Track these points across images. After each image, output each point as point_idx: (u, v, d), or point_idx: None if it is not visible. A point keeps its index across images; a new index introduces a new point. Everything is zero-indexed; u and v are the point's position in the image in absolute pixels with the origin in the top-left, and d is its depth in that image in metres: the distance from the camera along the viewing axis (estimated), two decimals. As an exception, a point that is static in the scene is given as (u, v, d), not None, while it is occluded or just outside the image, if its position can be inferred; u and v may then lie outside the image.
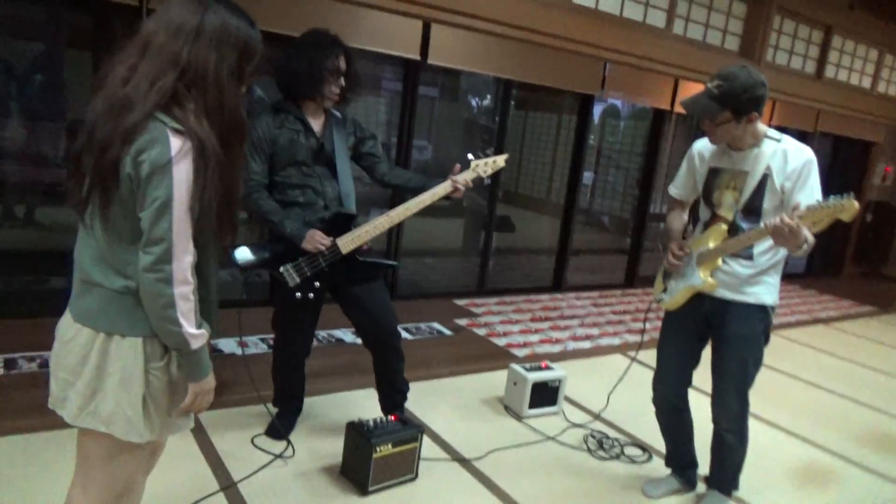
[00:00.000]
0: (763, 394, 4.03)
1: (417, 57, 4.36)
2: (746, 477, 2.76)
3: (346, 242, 2.53)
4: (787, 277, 8.20)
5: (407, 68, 4.61)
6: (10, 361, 3.13)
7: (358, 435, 2.47)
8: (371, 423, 2.52)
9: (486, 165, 2.61)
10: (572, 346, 4.47)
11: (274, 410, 2.87)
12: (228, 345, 3.64)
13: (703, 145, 2.50)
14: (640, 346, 3.16)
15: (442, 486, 2.59)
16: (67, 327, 1.48)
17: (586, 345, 4.53)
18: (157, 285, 1.33)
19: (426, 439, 2.84)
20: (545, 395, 3.30)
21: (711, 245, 2.39)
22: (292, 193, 2.56)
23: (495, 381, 3.61)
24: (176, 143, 1.29)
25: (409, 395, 2.91)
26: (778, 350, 5.09)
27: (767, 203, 2.30)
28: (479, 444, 2.94)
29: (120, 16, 3.66)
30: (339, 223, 2.55)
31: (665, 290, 2.58)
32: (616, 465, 2.95)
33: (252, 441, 2.73)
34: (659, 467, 2.91)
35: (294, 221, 2.51)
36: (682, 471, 2.75)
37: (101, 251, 1.41)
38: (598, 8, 3.77)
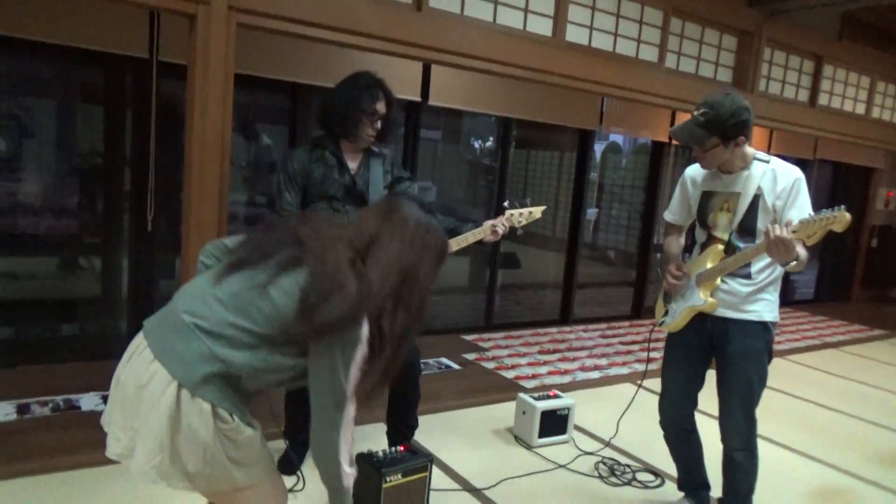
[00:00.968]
0: (776, 417, 4.01)
1: (418, 98, 4.50)
2: (763, 500, 2.74)
3: None
4: (797, 304, 8.19)
5: (409, 110, 4.74)
6: (23, 406, 3.18)
7: (368, 465, 2.48)
8: (380, 454, 2.53)
9: (522, 216, 2.64)
10: (581, 376, 4.48)
11: (284, 443, 2.88)
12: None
13: (694, 171, 2.57)
14: (644, 372, 3.18)
15: (453, 515, 2.59)
16: (142, 368, 1.47)
17: (595, 375, 4.53)
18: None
19: (436, 470, 2.84)
20: (554, 423, 3.30)
21: (709, 265, 2.44)
22: None
23: (504, 412, 3.62)
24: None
25: (418, 427, 2.93)
26: (788, 374, 5.06)
27: (761, 222, 2.36)
28: (490, 474, 2.94)
29: (131, 69, 3.80)
30: None
31: (666, 312, 2.61)
32: (628, 490, 2.94)
33: None
34: (672, 491, 2.90)
35: None
36: (695, 493, 2.73)
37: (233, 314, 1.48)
38: (591, 45, 3.89)
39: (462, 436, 3.33)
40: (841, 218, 2.06)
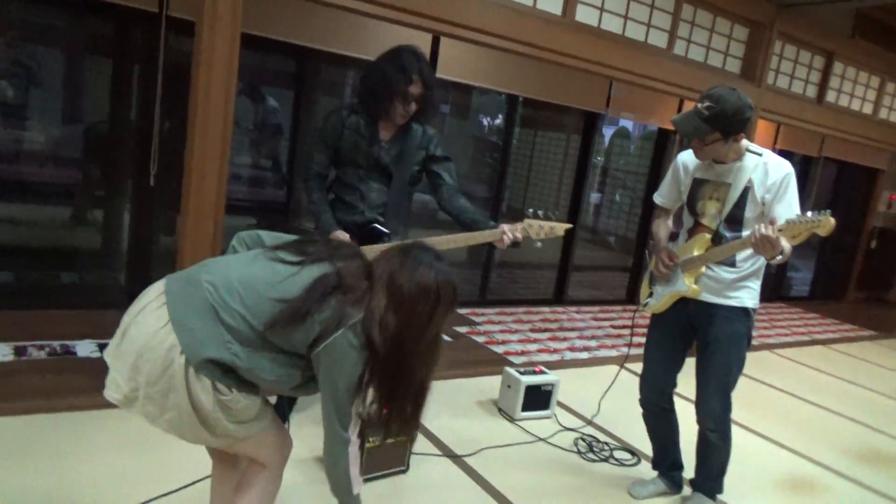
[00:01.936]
0: (755, 407, 4.09)
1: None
2: (734, 484, 2.82)
3: (368, 252, 2.62)
4: (791, 300, 8.24)
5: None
6: (20, 349, 3.25)
7: (352, 425, 2.55)
8: (365, 417, 2.60)
9: (541, 229, 2.51)
10: (569, 356, 4.54)
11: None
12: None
13: (687, 157, 2.60)
14: (627, 355, 3.25)
15: (432, 479, 2.67)
16: (155, 328, 1.52)
17: (584, 355, 4.60)
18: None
19: (419, 435, 2.91)
20: (538, 398, 3.37)
21: (696, 253, 2.49)
22: (341, 191, 2.69)
23: (490, 384, 3.69)
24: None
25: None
26: (774, 367, 5.13)
27: (749, 213, 2.41)
28: (471, 442, 3.02)
29: (139, 22, 3.81)
30: (371, 233, 2.64)
31: (650, 294, 2.68)
32: (604, 466, 3.02)
33: None
34: (646, 470, 2.98)
35: (328, 217, 2.63)
36: (667, 472, 2.81)
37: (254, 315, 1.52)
38: (600, 26, 3.89)
39: (447, 405, 3.41)
40: (826, 223, 2.10)
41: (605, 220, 7.62)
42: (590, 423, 3.44)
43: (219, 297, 1.53)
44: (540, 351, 4.53)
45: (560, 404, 3.58)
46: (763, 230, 2.15)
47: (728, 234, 2.45)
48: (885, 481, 3.36)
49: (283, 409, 2.87)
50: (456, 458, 2.86)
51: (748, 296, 2.48)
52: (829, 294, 8.67)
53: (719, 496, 2.75)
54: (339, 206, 2.69)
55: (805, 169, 8.17)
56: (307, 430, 2.84)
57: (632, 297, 6.64)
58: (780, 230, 2.16)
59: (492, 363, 4.07)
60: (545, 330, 5.11)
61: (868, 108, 5.89)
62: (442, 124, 5.79)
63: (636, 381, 2.77)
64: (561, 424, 3.37)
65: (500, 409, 3.43)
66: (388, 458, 2.59)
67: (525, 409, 3.35)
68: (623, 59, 3.96)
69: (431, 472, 2.72)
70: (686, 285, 2.50)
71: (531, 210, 2.55)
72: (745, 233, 2.40)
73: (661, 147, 6.48)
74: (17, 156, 3.92)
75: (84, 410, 2.75)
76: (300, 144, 4.62)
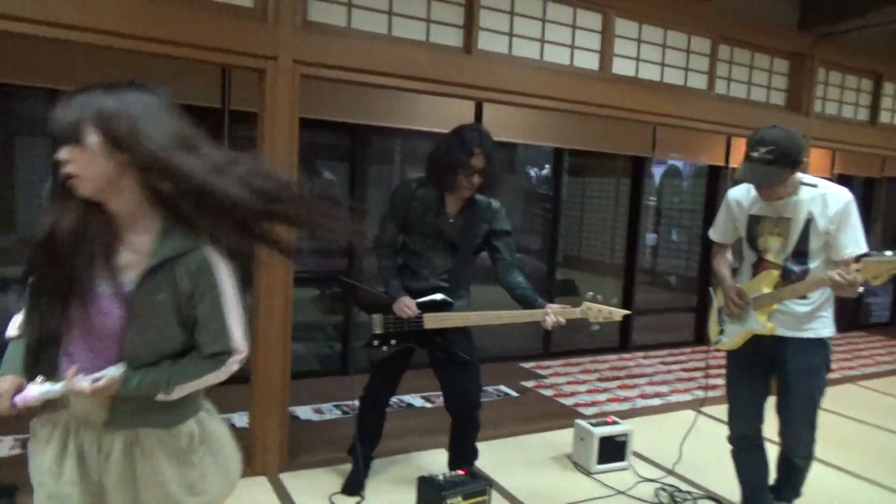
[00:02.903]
0: (843, 444, 3.91)
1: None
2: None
3: (431, 320, 2.73)
4: (872, 327, 7.87)
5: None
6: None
7: (429, 488, 2.59)
8: (441, 478, 2.64)
9: (599, 313, 2.56)
10: (641, 403, 4.47)
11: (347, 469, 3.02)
12: (305, 412, 3.85)
13: (738, 193, 2.63)
14: (705, 397, 3.20)
15: (512, 539, 2.66)
16: None
17: (656, 402, 4.51)
18: None
19: (495, 494, 2.91)
20: (613, 449, 3.33)
21: (765, 290, 2.48)
22: (408, 258, 2.84)
23: (563, 438, 3.66)
24: None
25: (479, 452, 3.02)
26: (860, 400, 4.90)
27: (814, 245, 2.41)
28: (549, 499, 2.99)
29: (207, 117, 4.12)
30: (435, 303, 2.75)
31: (721, 331, 2.67)
32: (688, 517, 2.94)
33: (330, 499, 2.87)
34: (733, 518, 2.89)
35: (396, 283, 2.76)
36: None
37: None
38: (638, 76, 3.98)
39: (521, 461, 3.40)
40: None
41: (664, 261, 7.53)
42: (671, 472, 3.36)
43: None
44: (610, 400, 4.47)
45: (636, 454, 3.51)
46: (838, 277, 2.18)
47: (796, 269, 2.44)
48: None
49: (360, 470, 2.94)
50: (535, 516, 2.85)
51: (823, 325, 2.49)
52: (912, 318, 8.26)
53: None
54: (405, 272, 2.82)
55: (868, 191, 7.93)
56: (382, 499, 2.89)
57: (700, 338, 6.48)
58: (858, 271, 2.17)
59: (562, 416, 4.04)
60: (613, 378, 5.04)
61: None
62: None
63: (714, 425, 2.73)
64: (639, 475, 3.31)
65: (575, 464, 3.40)
66: (467, 520, 2.60)
67: (600, 461, 3.30)
68: (663, 104, 4.02)
69: (511, 531, 2.71)
70: (760, 323, 2.50)
71: (591, 294, 2.60)
72: (813, 264, 2.41)
73: (714, 182, 6.44)
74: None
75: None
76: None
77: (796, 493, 2.74)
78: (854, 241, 2.34)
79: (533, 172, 6.43)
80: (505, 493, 3.03)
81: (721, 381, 2.82)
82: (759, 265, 2.55)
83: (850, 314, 7.78)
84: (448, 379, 2.84)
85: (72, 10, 2.45)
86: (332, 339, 4.92)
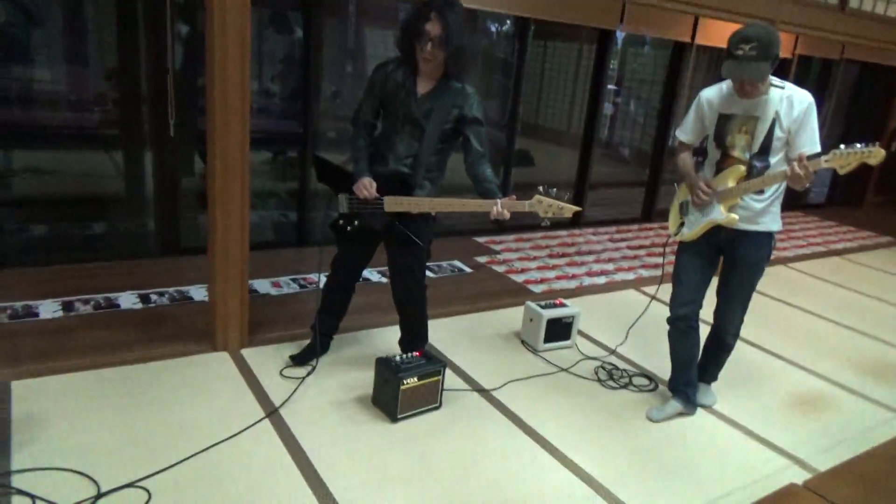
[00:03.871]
0: (768, 324, 4.23)
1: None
2: (742, 403, 3.03)
3: (390, 202, 2.72)
4: (807, 208, 8.26)
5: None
6: (67, 304, 3.43)
7: (386, 369, 2.73)
8: (398, 359, 2.78)
9: (550, 208, 2.55)
10: (588, 281, 4.68)
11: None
12: (263, 285, 3.90)
13: (710, 94, 2.73)
14: (660, 282, 3.40)
15: (463, 413, 2.86)
16: None
17: (601, 280, 4.73)
18: None
19: (448, 371, 3.09)
20: (559, 330, 3.53)
21: (730, 184, 2.67)
22: (378, 140, 2.80)
23: (513, 316, 3.85)
24: None
25: (432, 329, 3.16)
26: (789, 282, 5.25)
27: (776, 142, 2.59)
28: (497, 376, 3.20)
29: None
30: (396, 184, 2.72)
31: (682, 224, 2.86)
32: (624, 393, 3.20)
33: (280, 373, 3.00)
34: (664, 393, 3.16)
35: (363, 164, 2.74)
36: (683, 390, 3.01)
37: None
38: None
39: (472, 339, 3.58)
40: (877, 153, 2.32)
41: (620, 133, 7.54)
42: (612, 352, 3.60)
43: None
44: (559, 278, 4.67)
45: (580, 333, 3.74)
46: (798, 169, 2.39)
47: (758, 164, 2.63)
48: (894, 394, 3.53)
49: (317, 341, 3.07)
50: (484, 392, 3.05)
51: (773, 220, 2.73)
52: (847, 200, 8.65)
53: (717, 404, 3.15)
54: (375, 155, 2.79)
55: (826, 72, 7.98)
56: (341, 376, 3.04)
57: (648, 216, 6.69)
58: (826, 161, 2.38)
59: (513, 294, 4.22)
60: (563, 255, 5.22)
61: (894, 11, 5.69)
62: None
63: (656, 307, 2.92)
64: (582, 353, 3.54)
65: (523, 342, 3.60)
66: (421, 397, 2.77)
67: (547, 340, 3.51)
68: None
69: (463, 406, 2.91)
70: (723, 214, 2.70)
71: (542, 187, 2.56)
72: (773, 160, 2.61)
73: (678, 59, 6.36)
74: (30, 101, 3.95)
75: (133, 364, 2.95)
76: (314, 74, 4.59)
77: (715, 375, 3.16)
78: (811, 140, 2.55)
79: (494, 28, 6.18)
80: (457, 370, 3.22)
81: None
82: (725, 161, 2.71)
83: (788, 194, 8.10)
84: (393, 257, 2.90)
85: None
86: (287, 208, 4.88)
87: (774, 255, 5.80)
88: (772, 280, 5.11)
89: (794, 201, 8.13)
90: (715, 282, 2.93)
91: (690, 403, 3.02)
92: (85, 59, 4.15)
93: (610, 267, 5.05)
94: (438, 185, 2.86)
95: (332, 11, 4.84)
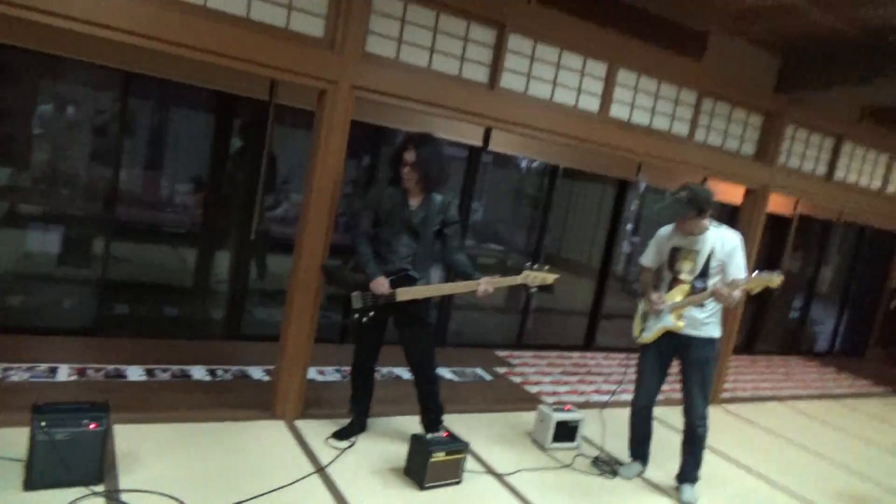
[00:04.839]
0: (756, 452, 4.67)
1: (480, 144, 5.30)
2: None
3: (402, 293, 3.38)
4: (808, 354, 8.71)
5: (471, 152, 5.58)
6: (149, 370, 4.05)
7: (419, 443, 3.27)
8: (429, 437, 3.32)
9: (536, 278, 3.36)
10: (595, 398, 5.18)
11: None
12: (310, 372, 4.49)
13: (665, 231, 3.66)
14: (613, 394, 4.00)
15: (479, 489, 3.35)
16: None
17: (606, 398, 5.23)
18: None
19: (469, 457, 3.60)
20: (566, 432, 4.04)
21: (678, 298, 3.48)
22: (378, 245, 3.47)
23: (526, 419, 4.36)
24: None
25: (454, 423, 3.71)
26: (781, 417, 5.68)
27: (713, 269, 3.44)
28: (510, 464, 3.69)
29: (252, 108, 4.67)
30: (403, 279, 3.40)
31: (643, 329, 3.65)
32: (613, 480, 3.66)
33: (326, 441, 3.54)
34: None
35: (374, 266, 3.39)
36: (642, 457, 3.83)
37: None
38: (631, 120, 4.62)
39: (488, 434, 4.09)
40: (776, 279, 3.20)
41: (636, 269, 8.21)
42: (601, 449, 4.08)
43: None
44: (569, 393, 5.19)
45: (584, 438, 4.23)
46: (719, 287, 3.27)
47: (699, 285, 3.45)
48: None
49: (356, 421, 3.63)
50: (498, 476, 3.54)
51: (714, 329, 3.51)
52: (849, 350, 9.11)
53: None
54: (377, 258, 3.45)
55: (826, 233, 8.70)
56: (378, 449, 3.57)
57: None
58: (738, 286, 3.25)
59: (527, 401, 4.75)
60: (575, 374, 5.76)
61: (877, 184, 6.47)
62: (484, 172, 6.50)
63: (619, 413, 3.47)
64: (581, 453, 4.03)
65: (533, 440, 4.10)
66: (446, 471, 3.28)
67: (555, 440, 4.01)
68: (650, 146, 4.67)
69: (479, 484, 3.41)
70: (672, 322, 3.49)
71: (528, 264, 3.45)
72: (710, 282, 3.43)
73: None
74: (131, 201, 4.79)
75: (205, 422, 3.52)
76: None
77: (696, 475, 3.69)
78: (738, 269, 3.39)
79: (525, 164, 7.00)
80: (475, 456, 3.73)
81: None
82: (674, 282, 3.55)
83: (793, 339, 8.62)
84: (407, 336, 3.52)
85: (189, 34, 3.04)
86: (330, 311, 5.55)
87: (773, 392, 6.32)
88: (766, 413, 5.56)
89: (797, 347, 8.62)
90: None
91: (644, 462, 3.83)
92: (184, 167, 5.05)
93: (615, 388, 5.55)
94: (430, 273, 3.54)
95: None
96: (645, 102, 4.68)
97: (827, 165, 6.00)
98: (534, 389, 5.09)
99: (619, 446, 4.12)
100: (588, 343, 6.79)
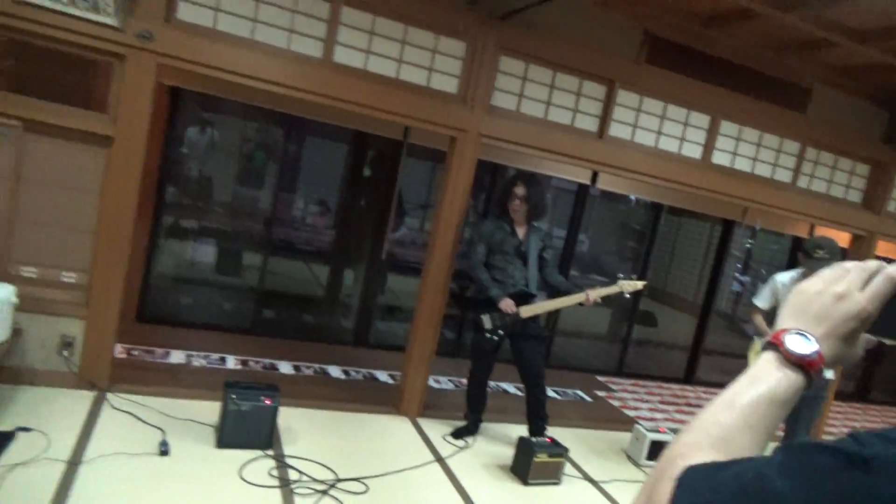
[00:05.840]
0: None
1: (588, 183, 5.78)
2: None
3: (525, 310, 3.91)
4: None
5: (580, 188, 6.07)
6: (296, 367, 4.80)
7: (525, 444, 3.76)
8: (534, 440, 3.81)
9: (628, 286, 3.86)
10: (691, 426, 5.44)
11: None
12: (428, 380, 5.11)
13: (783, 277, 3.82)
14: None
15: (574, 491, 3.79)
16: None
17: (703, 428, 5.48)
18: None
19: (566, 463, 4.04)
20: (660, 450, 4.37)
21: None
22: (494, 272, 4.02)
23: (622, 438, 4.74)
24: None
25: (554, 434, 4.15)
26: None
27: None
28: (605, 474, 4.10)
29: (386, 146, 5.42)
30: (523, 297, 3.94)
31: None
32: None
33: (443, 437, 4.10)
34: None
35: (498, 289, 3.94)
36: None
37: None
38: (734, 166, 4.96)
39: (586, 447, 4.51)
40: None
41: (745, 308, 8.31)
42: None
43: None
44: (666, 420, 5.49)
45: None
46: None
47: None
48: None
49: (471, 424, 4.16)
50: (593, 482, 3.97)
51: (828, 370, 3.73)
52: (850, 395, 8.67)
53: None
54: (496, 282, 3.98)
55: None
56: (488, 449, 4.09)
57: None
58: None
59: (624, 423, 5.11)
60: (673, 404, 6.03)
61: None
62: (591, 206, 6.93)
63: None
64: (676, 474, 4.35)
65: (628, 456, 4.48)
66: (547, 472, 3.75)
67: (648, 458, 4.37)
68: (753, 192, 4.98)
69: (575, 487, 3.85)
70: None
71: (621, 275, 3.97)
72: None
73: (794, 254, 7.23)
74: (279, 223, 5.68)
75: (342, 412, 4.18)
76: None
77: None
78: None
79: (633, 199, 7.36)
80: (574, 465, 4.16)
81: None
82: None
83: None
84: (525, 350, 4.00)
85: (350, 91, 3.77)
86: (446, 328, 6.17)
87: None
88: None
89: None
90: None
91: None
92: (317, 191, 5.91)
93: (713, 419, 5.77)
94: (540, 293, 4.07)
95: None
96: (747, 151, 5.00)
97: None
98: (631, 413, 5.43)
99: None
100: (688, 376, 7.00)
